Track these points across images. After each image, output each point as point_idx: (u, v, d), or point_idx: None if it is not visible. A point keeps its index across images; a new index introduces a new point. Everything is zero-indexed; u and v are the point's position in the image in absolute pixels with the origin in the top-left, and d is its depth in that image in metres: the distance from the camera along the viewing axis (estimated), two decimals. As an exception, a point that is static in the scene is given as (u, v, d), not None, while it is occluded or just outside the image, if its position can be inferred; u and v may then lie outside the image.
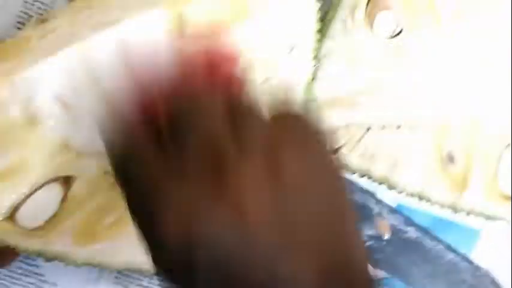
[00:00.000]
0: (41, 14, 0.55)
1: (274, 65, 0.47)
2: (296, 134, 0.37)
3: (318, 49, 0.50)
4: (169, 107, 0.35)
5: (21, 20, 0.56)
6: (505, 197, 0.59)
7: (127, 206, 0.35)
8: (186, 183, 0.32)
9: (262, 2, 0.44)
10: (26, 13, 0.56)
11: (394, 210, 0.66)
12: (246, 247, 0.31)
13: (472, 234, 0.72)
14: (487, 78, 0.58)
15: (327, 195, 0.35)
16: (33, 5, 0.56)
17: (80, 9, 0.48)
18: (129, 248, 0.49)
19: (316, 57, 0.51)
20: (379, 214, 0.66)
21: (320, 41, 0.52)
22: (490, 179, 0.59)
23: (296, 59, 0.48)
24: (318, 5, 0.48)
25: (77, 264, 0.48)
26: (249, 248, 0.31)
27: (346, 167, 0.61)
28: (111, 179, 0.46)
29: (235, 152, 0.32)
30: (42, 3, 0.56)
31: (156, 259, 0.34)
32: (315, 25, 0.48)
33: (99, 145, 0.42)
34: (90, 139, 0.45)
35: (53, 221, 0.46)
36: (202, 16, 0.43)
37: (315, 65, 0.51)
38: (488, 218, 0.60)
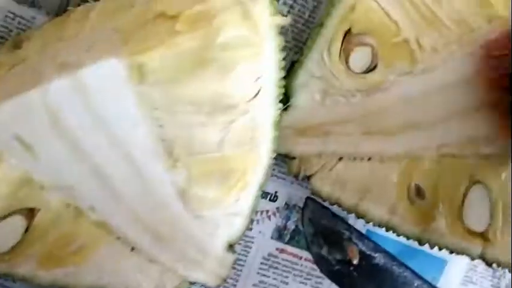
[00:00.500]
0: (21, 29, 0.56)
1: (241, 108, 0.48)
2: None
3: (282, 92, 0.51)
4: None
5: (1, 34, 0.57)
6: (470, 232, 0.60)
7: None
8: None
9: (225, 56, 0.44)
10: (6, 27, 0.57)
11: (364, 236, 0.67)
12: None
13: (439, 262, 0.74)
14: (460, 111, 0.59)
15: None
16: (13, 19, 0.57)
17: (51, 38, 0.49)
18: (93, 271, 0.51)
19: (282, 99, 0.52)
20: (349, 239, 0.67)
21: (285, 85, 0.53)
22: (455, 214, 0.60)
23: (262, 102, 0.49)
24: (283, 54, 0.49)
25: (43, 286, 0.50)
26: None
27: (317, 194, 0.63)
28: (74, 211, 0.48)
29: None
30: (22, 18, 0.57)
31: None
32: (278, 73, 0.49)
33: (62, 179, 0.44)
34: (53, 174, 0.47)
35: (17, 248, 0.48)
36: (161, 65, 0.44)
37: (280, 108, 0.52)
38: (453, 251, 0.61)
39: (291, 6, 0.62)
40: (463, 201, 0.60)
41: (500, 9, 0.55)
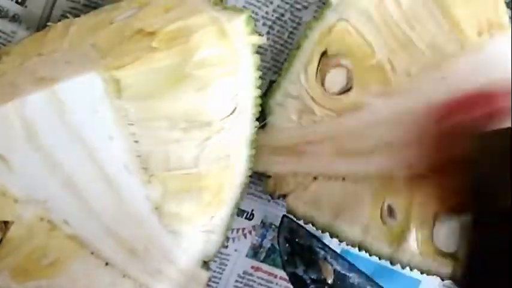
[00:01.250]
0: (1, 44, 0.57)
1: (217, 125, 0.48)
2: None
3: (258, 110, 0.52)
4: None
5: (-18, 48, 0.58)
6: (440, 253, 0.61)
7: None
8: None
9: (200, 73, 0.45)
10: (-14, 42, 0.58)
11: (339, 256, 0.68)
12: None
13: (412, 282, 0.74)
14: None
15: None
16: (-7, 33, 0.58)
17: (31, 53, 0.50)
18: (66, 286, 0.51)
19: (259, 117, 0.53)
20: (324, 258, 0.68)
21: (263, 104, 0.54)
22: (426, 235, 0.61)
23: (238, 120, 0.50)
24: (259, 74, 0.50)
25: (17, 298, 0.50)
26: None
27: (292, 212, 0.63)
28: (48, 225, 0.48)
29: None
30: (3, 32, 0.58)
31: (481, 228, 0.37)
32: (255, 91, 0.50)
33: (35, 193, 0.44)
34: (27, 187, 0.47)
35: (-10, 260, 0.48)
36: (138, 80, 0.45)
37: (256, 126, 0.53)
38: (424, 272, 0.62)
39: (270, 27, 0.64)
40: (433, 223, 0.61)
41: (472, 35, 0.57)
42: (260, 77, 0.53)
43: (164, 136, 0.49)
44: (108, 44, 0.48)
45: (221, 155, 0.52)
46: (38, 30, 0.58)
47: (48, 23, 0.56)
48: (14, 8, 0.58)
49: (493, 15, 0.58)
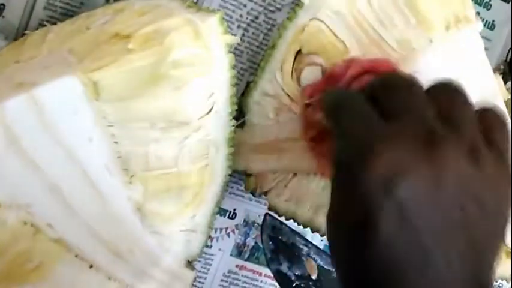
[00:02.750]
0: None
1: (195, 124, 0.49)
2: (501, 136, 0.42)
3: (235, 109, 0.54)
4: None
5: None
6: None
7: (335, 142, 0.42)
8: (397, 141, 0.38)
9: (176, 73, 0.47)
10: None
11: (322, 251, 0.69)
12: (432, 205, 0.37)
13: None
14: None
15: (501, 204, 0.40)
16: (-28, 44, 0.58)
17: (9, 61, 0.51)
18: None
19: (237, 116, 0.54)
20: (308, 254, 0.69)
21: (240, 104, 0.55)
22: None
23: (215, 118, 0.51)
24: (234, 72, 0.51)
25: (2, 303, 0.50)
26: (434, 207, 0.37)
27: (274, 209, 0.64)
28: (32, 229, 0.48)
29: (443, 131, 0.38)
30: (-19, 42, 0.59)
31: (346, 198, 0.39)
32: (231, 90, 0.52)
33: (18, 197, 0.44)
34: (10, 191, 0.47)
35: (-26, 267, 0.48)
36: (115, 82, 0.46)
37: (233, 124, 0.54)
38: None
39: (245, 29, 0.65)
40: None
41: (440, 29, 0.58)
42: (236, 78, 0.54)
43: (143, 136, 0.50)
44: (85, 48, 0.49)
45: (200, 154, 0.53)
46: (15, 39, 0.58)
47: (26, 31, 0.56)
48: (-8, 18, 0.58)
49: (460, 9, 0.59)
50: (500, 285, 0.79)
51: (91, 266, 0.54)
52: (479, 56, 0.61)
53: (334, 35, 0.60)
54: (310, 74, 0.60)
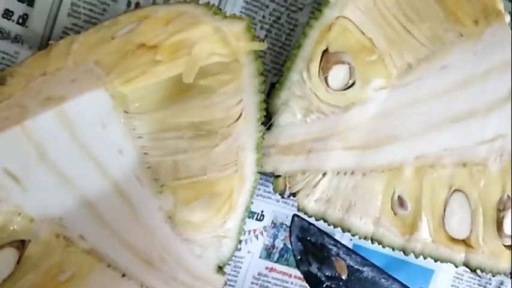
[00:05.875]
0: (5, 65, 0.57)
1: (223, 132, 0.49)
2: None
3: (262, 115, 0.53)
4: None
5: (-14, 69, 0.58)
6: (452, 240, 0.62)
7: None
8: None
9: (205, 82, 0.46)
10: (-10, 63, 0.58)
11: (351, 251, 0.68)
12: None
13: (426, 272, 0.75)
14: (435, 123, 0.61)
15: None
16: (-4, 55, 0.58)
17: (35, 73, 0.50)
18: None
19: (263, 121, 0.54)
20: (337, 255, 0.68)
21: (267, 105, 0.55)
22: (437, 223, 0.61)
23: (244, 125, 0.50)
24: (262, 78, 0.50)
25: (35, 317, 0.50)
26: None
27: (303, 210, 0.64)
28: (64, 241, 0.48)
29: None
30: (6, 53, 0.59)
31: None
32: (258, 96, 0.51)
33: (50, 211, 0.44)
34: (42, 206, 0.47)
35: (9, 280, 0.48)
36: (143, 94, 0.46)
37: (262, 130, 0.53)
38: (437, 260, 0.62)
39: (268, 31, 0.64)
40: (444, 210, 0.61)
41: (469, 23, 0.57)
42: (262, 81, 0.53)
43: (172, 146, 0.50)
44: (112, 60, 0.49)
45: (229, 161, 0.53)
46: (40, 49, 0.58)
47: (50, 42, 0.56)
48: (16, 29, 0.58)
49: (488, 3, 0.58)
50: (503, 282, 0.78)
51: (123, 275, 0.55)
52: (509, 50, 0.59)
53: (361, 32, 0.59)
54: (338, 73, 0.59)
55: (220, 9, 0.51)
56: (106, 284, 0.54)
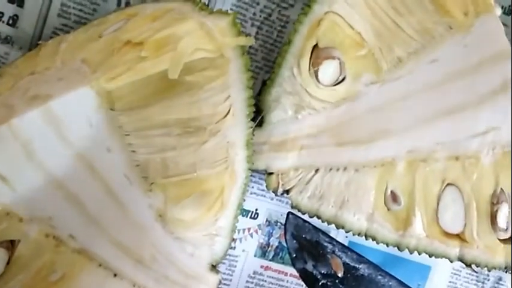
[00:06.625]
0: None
1: (212, 128, 0.49)
2: None
3: (252, 110, 0.53)
4: None
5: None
6: (446, 235, 0.61)
7: None
8: None
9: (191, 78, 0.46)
10: (-20, 64, 0.58)
11: (347, 248, 0.68)
12: None
13: (423, 269, 0.74)
14: (427, 117, 0.60)
15: None
16: (-13, 56, 0.59)
17: (24, 73, 0.50)
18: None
19: (254, 116, 0.53)
20: (333, 252, 0.68)
21: (258, 102, 0.55)
22: (431, 218, 0.61)
23: (232, 121, 0.50)
24: (250, 74, 0.50)
25: (26, 317, 0.50)
26: None
27: (297, 207, 0.63)
28: (54, 241, 0.48)
29: None
30: (-3, 55, 0.59)
31: None
32: (247, 92, 0.50)
33: (39, 210, 0.44)
34: (31, 205, 0.47)
35: (1, 280, 0.48)
36: (129, 91, 0.45)
37: (252, 126, 0.53)
38: (432, 255, 0.62)
39: (259, 28, 0.64)
40: (437, 204, 0.61)
41: (459, 15, 0.57)
42: (252, 77, 0.53)
43: (160, 144, 0.50)
44: (98, 57, 0.49)
45: (219, 158, 0.53)
46: (30, 49, 0.59)
47: (40, 42, 0.56)
48: (6, 30, 0.58)
49: (478, -6, 0.58)
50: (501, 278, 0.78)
51: (115, 274, 0.54)
52: (500, 41, 0.59)
53: (351, 27, 0.59)
54: (328, 68, 0.59)
55: (207, 6, 0.50)
56: (97, 284, 0.53)
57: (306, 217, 0.65)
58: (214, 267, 0.58)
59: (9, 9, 0.58)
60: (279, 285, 0.72)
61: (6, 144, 0.45)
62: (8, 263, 0.49)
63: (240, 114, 0.52)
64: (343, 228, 0.63)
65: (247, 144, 0.54)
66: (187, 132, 0.49)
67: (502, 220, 0.60)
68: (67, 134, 0.46)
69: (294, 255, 0.67)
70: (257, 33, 0.64)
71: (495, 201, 0.60)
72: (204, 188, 0.53)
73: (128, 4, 0.60)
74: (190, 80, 0.47)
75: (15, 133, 0.45)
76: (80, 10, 0.59)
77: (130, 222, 0.52)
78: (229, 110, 0.51)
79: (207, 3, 0.60)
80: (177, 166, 0.51)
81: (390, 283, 0.67)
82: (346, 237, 0.71)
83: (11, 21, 0.58)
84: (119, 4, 0.60)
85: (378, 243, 0.63)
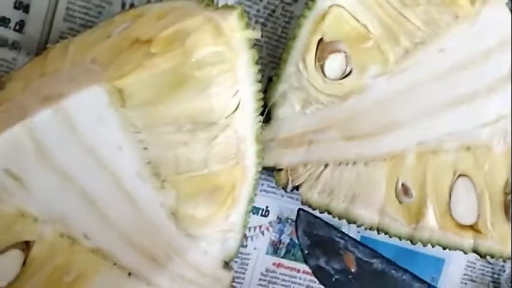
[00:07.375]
0: (4, 71, 0.58)
1: (222, 123, 0.49)
2: None
3: (261, 105, 0.53)
4: None
5: (-15, 76, 0.59)
6: (460, 226, 0.61)
7: None
8: None
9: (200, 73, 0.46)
10: (-11, 70, 0.59)
11: (359, 243, 0.68)
12: None
13: (437, 262, 0.74)
14: (436, 108, 0.60)
15: None
16: (-5, 61, 0.59)
17: (33, 75, 0.50)
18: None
19: (262, 112, 0.53)
20: (345, 247, 0.68)
21: (265, 99, 0.55)
22: (443, 209, 0.61)
23: (242, 116, 0.50)
24: (258, 68, 0.50)
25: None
26: None
27: (307, 203, 0.63)
28: (69, 241, 0.48)
29: None
30: (4, 60, 0.59)
31: None
32: (255, 86, 0.51)
33: (53, 210, 0.44)
34: (45, 205, 0.47)
35: (16, 281, 0.48)
36: (140, 87, 0.46)
37: (261, 121, 0.53)
38: (446, 247, 0.62)
39: (263, 24, 0.64)
40: (449, 196, 0.61)
41: (465, 4, 0.57)
42: (260, 75, 0.53)
43: (171, 140, 0.50)
44: (108, 57, 0.49)
45: (229, 153, 0.53)
46: (37, 54, 0.59)
47: (47, 46, 0.56)
48: (13, 36, 0.59)
49: (483, -17, 0.58)
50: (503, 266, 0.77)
51: (129, 274, 0.54)
52: (507, 29, 0.59)
53: (356, 19, 0.59)
54: (334, 62, 0.59)
55: (212, 1, 0.51)
56: (112, 283, 0.53)
57: (316, 213, 0.65)
58: (227, 264, 0.58)
59: (16, 15, 0.58)
60: (292, 282, 0.71)
61: (19, 144, 0.45)
62: (23, 264, 0.49)
63: (249, 109, 0.52)
64: (354, 223, 0.62)
65: (257, 138, 0.54)
66: (198, 127, 0.49)
67: (515, 209, 0.60)
68: (79, 132, 0.47)
69: (307, 252, 0.67)
70: (262, 29, 0.65)
71: (508, 191, 0.60)
72: (215, 184, 0.53)
73: (132, 6, 0.60)
74: (199, 75, 0.47)
75: (28, 133, 0.45)
76: (86, 13, 0.59)
77: (144, 220, 0.52)
78: (238, 104, 0.51)
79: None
80: (189, 162, 0.51)
81: (404, 277, 0.66)
82: (358, 232, 0.70)
83: (17, 27, 0.59)
84: (123, 6, 0.60)
85: (390, 237, 0.62)
